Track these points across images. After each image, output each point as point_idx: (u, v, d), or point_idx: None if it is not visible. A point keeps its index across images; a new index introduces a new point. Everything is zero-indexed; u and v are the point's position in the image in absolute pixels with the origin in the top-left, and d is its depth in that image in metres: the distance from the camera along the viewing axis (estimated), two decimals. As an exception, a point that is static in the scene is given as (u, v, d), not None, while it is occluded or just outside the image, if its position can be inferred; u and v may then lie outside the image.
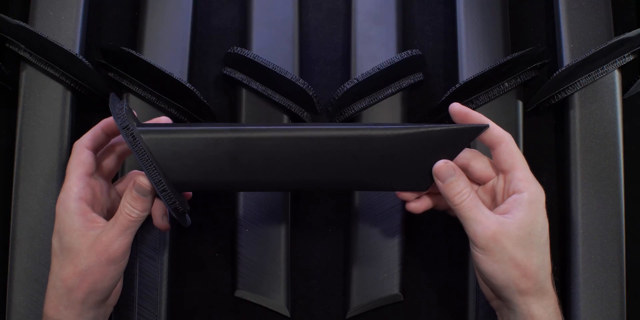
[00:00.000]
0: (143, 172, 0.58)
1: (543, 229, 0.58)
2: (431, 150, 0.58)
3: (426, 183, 0.59)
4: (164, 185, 0.57)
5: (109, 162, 0.63)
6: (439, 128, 0.58)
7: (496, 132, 0.59)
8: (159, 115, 0.70)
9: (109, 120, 0.61)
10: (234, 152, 0.58)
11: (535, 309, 0.57)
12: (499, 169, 0.60)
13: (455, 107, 0.60)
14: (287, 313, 0.70)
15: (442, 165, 0.58)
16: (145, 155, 0.57)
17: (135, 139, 0.57)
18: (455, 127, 0.58)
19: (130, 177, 0.64)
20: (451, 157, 0.59)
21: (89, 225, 0.58)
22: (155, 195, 0.58)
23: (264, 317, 0.71)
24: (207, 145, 0.57)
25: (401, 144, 0.58)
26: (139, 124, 0.59)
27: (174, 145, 0.57)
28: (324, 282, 0.72)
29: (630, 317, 0.69)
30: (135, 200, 0.57)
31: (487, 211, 0.57)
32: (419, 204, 0.62)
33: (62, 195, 0.59)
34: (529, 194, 0.58)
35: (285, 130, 0.58)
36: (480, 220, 0.57)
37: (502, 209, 0.58)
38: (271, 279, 0.70)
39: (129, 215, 0.57)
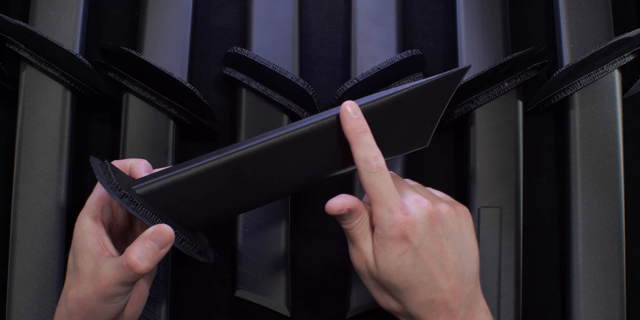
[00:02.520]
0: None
1: (399, 267, 0.55)
2: (423, 105, 0.58)
3: (426, 138, 0.59)
4: (181, 236, 0.56)
5: None
6: (423, 83, 0.58)
7: (354, 159, 0.56)
8: (159, 116, 0.70)
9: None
10: (233, 174, 0.57)
11: None
12: None
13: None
14: (287, 313, 0.70)
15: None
16: (153, 216, 0.55)
17: (137, 204, 0.55)
18: (438, 77, 0.58)
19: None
20: (443, 104, 0.58)
21: (100, 251, 0.55)
22: (169, 248, 0.55)
23: (264, 317, 0.71)
24: (204, 178, 0.56)
25: (390, 111, 0.58)
26: (131, 182, 0.57)
27: (173, 190, 0.56)
28: (324, 282, 0.72)
29: (630, 317, 0.69)
30: (146, 251, 0.53)
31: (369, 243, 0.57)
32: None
33: (81, 212, 0.57)
34: (380, 230, 0.55)
35: (273, 136, 0.57)
36: (359, 248, 0.57)
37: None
38: (271, 279, 0.70)
39: (133, 269, 0.53)
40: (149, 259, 0.53)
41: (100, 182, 0.55)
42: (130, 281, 0.54)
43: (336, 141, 0.57)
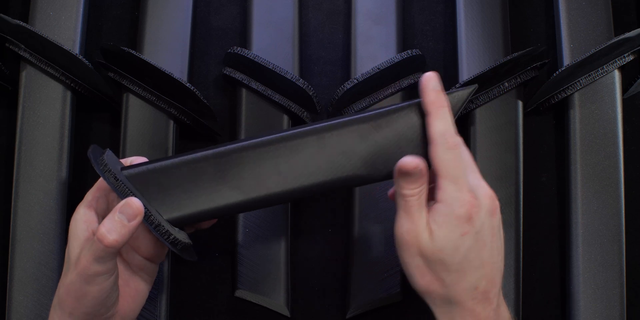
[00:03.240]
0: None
1: (457, 247, 0.54)
2: (424, 121, 0.57)
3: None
4: (156, 220, 0.56)
5: None
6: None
7: (430, 131, 0.55)
8: (159, 116, 0.71)
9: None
10: (219, 171, 0.57)
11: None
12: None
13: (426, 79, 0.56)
14: (287, 313, 0.70)
15: (408, 167, 0.54)
16: (129, 192, 0.55)
17: (117, 179, 0.55)
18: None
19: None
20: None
21: (88, 237, 0.55)
22: (138, 225, 0.55)
23: (264, 317, 0.71)
24: (190, 170, 0.57)
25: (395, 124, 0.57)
26: (123, 167, 0.58)
27: (159, 178, 0.57)
28: (324, 282, 0.72)
29: (630, 317, 0.69)
30: (114, 223, 0.53)
31: (423, 215, 0.55)
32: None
33: (79, 204, 0.58)
34: (446, 207, 0.54)
35: (266, 139, 0.57)
36: (412, 219, 0.55)
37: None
38: (271, 279, 0.70)
39: (102, 241, 0.53)
40: (117, 231, 0.53)
41: (91, 161, 0.56)
42: (103, 255, 0.53)
43: (334, 150, 0.57)
